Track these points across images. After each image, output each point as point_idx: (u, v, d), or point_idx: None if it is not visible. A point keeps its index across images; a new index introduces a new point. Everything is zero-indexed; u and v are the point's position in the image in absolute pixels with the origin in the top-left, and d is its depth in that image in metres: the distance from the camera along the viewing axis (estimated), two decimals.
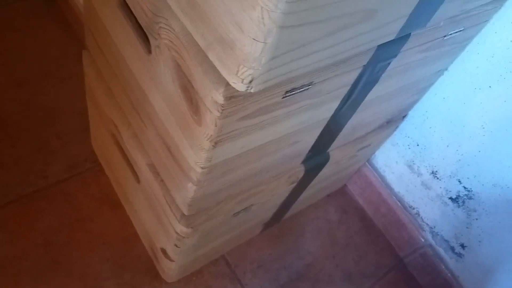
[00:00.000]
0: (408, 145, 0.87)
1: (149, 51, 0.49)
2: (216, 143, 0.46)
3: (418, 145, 0.85)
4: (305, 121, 0.55)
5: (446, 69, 0.73)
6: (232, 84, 0.38)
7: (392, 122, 0.81)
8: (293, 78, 0.43)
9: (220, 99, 0.40)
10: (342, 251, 0.95)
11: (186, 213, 0.60)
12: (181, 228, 0.61)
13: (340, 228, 0.98)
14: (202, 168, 0.50)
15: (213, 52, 0.38)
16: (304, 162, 0.70)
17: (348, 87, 0.53)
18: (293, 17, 0.32)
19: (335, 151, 0.74)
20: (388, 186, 0.95)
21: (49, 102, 0.97)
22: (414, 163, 0.87)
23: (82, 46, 1.07)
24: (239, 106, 0.42)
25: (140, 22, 0.49)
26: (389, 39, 0.46)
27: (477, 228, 0.81)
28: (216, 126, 0.43)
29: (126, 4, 0.51)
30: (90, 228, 0.84)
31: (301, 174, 0.72)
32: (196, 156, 0.49)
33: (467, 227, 0.83)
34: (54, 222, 0.83)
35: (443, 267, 0.90)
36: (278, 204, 0.80)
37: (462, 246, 0.86)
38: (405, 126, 0.85)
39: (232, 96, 0.40)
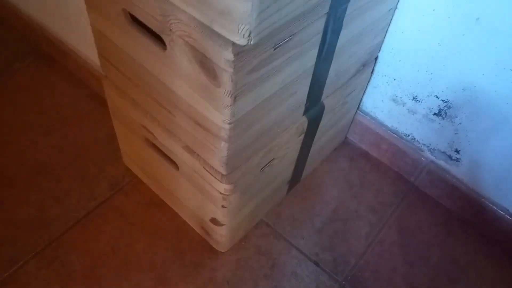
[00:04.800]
0: (387, 83, 1.01)
1: (164, 48, 0.64)
2: (235, 97, 0.60)
3: (395, 79, 0.99)
4: (296, 70, 0.69)
5: (396, 7, 0.88)
6: (236, 41, 0.52)
7: (367, 65, 0.95)
8: (278, 33, 0.58)
9: (230, 56, 0.54)
10: (360, 190, 1.08)
11: (224, 172, 0.73)
12: (224, 186, 0.74)
13: (353, 173, 1.11)
14: (229, 123, 0.63)
15: (217, 24, 0.52)
16: (305, 113, 0.84)
17: (321, 34, 0.68)
18: None
19: (327, 99, 0.89)
20: (382, 124, 1.09)
21: (77, 140, 1.11)
22: (396, 96, 1.02)
23: (88, 89, 1.21)
24: (245, 60, 0.56)
25: (151, 28, 0.64)
26: None
27: (463, 131, 0.95)
28: (232, 81, 0.57)
29: (136, 20, 0.66)
30: (145, 229, 0.97)
31: (305, 125, 0.86)
32: (222, 115, 0.63)
33: (455, 133, 0.97)
34: (113, 232, 0.96)
35: (448, 176, 1.04)
36: (295, 159, 0.94)
37: (457, 151, 0.99)
38: (379, 68, 1.00)
39: (238, 52, 0.54)
